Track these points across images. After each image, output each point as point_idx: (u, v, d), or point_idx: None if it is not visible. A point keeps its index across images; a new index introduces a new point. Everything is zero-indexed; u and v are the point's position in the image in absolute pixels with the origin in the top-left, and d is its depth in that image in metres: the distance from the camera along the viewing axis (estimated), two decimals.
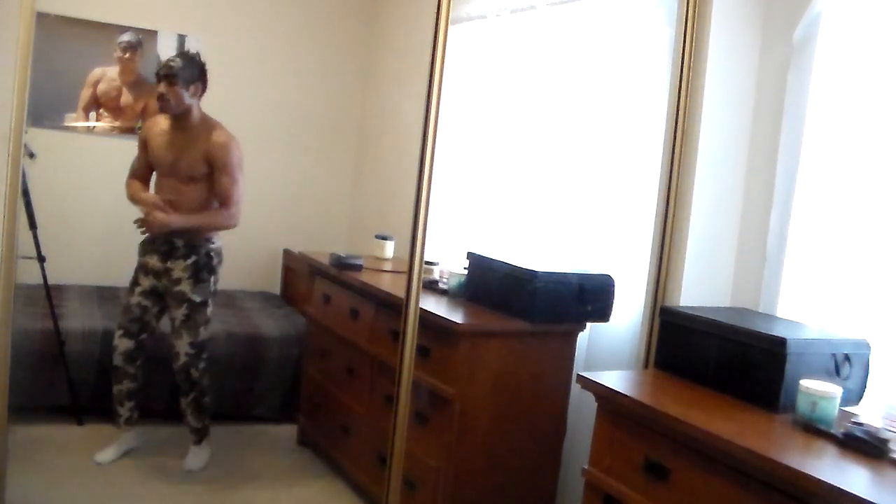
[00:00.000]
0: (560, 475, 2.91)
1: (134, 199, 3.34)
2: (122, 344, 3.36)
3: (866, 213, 2.28)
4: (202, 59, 3.30)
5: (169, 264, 3.32)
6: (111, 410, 3.45)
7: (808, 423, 1.89)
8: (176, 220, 3.22)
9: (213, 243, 3.37)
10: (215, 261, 3.38)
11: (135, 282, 3.39)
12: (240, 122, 4.84)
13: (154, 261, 3.34)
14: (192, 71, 3.21)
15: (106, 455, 3.39)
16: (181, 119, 3.26)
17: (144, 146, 3.39)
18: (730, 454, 1.74)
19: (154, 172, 3.40)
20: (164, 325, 3.49)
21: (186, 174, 3.27)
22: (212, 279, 3.37)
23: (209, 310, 3.39)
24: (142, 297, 3.36)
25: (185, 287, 3.31)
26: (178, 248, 3.31)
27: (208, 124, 3.30)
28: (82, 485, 3.16)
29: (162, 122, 3.36)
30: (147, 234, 3.36)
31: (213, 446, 3.56)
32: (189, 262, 3.31)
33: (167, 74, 3.16)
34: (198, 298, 3.33)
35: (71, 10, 4.36)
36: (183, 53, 3.29)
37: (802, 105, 2.46)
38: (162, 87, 3.18)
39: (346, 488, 3.44)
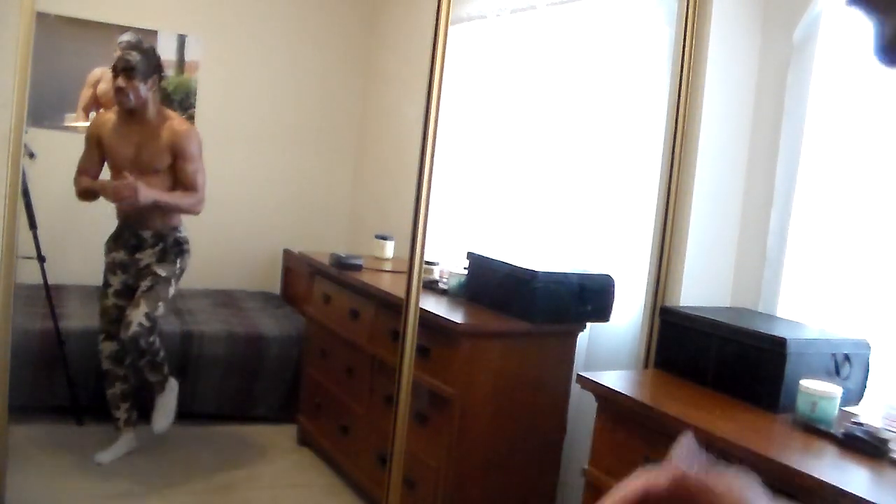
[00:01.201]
0: (560, 475, 2.91)
1: (90, 188, 3.27)
2: (107, 347, 3.36)
3: (866, 213, 2.28)
4: (157, 52, 3.30)
5: (137, 255, 3.33)
6: (110, 411, 3.44)
7: (808, 423, 1.89)
8: (153, 192, 3.17)
9: (179, 232, 3.39)
10: (184, 246, 3.39)
11: (106, 283, 3.38)
12: (240, 122, 4.87)
13: (122, 256, 3.35)
14: (149, 64, 3.18)
15: (106, 455, 3.38)
16: (137, 113, 3.22)
17: (97, 143, 3.34)
18: (730, 454, 1.74)
19: (109, 169, 3.35)
20: None
21: (150, 167, 3.24)
22: (178, 261, 3.37)
23: (171, 289, 3.35)
24: (116, 297, 3.36)
25: (151, 263, 3.32)
26: (146, 239, 3.32)
27: (164, 115, 3.29)
28: (82, 485, 3.16)
29: (114, 118, 3.32)
30: (113, 231, 3.36)
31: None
32: (157, 248, 3.33)
33: (125, 68, 3.13)
34: (163, 273, 3.31)
35: (71, 10, 4.36)
36: (138, 47, 3.23)
37: (802, 105, 2.46)
38: (120, 81, 3.14)
39: (346, 488, 3.44)
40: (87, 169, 3.37)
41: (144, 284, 3.30)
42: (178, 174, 3.28)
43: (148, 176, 3.25)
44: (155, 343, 3.33)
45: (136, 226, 3.31)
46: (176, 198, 3.27)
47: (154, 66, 3.22)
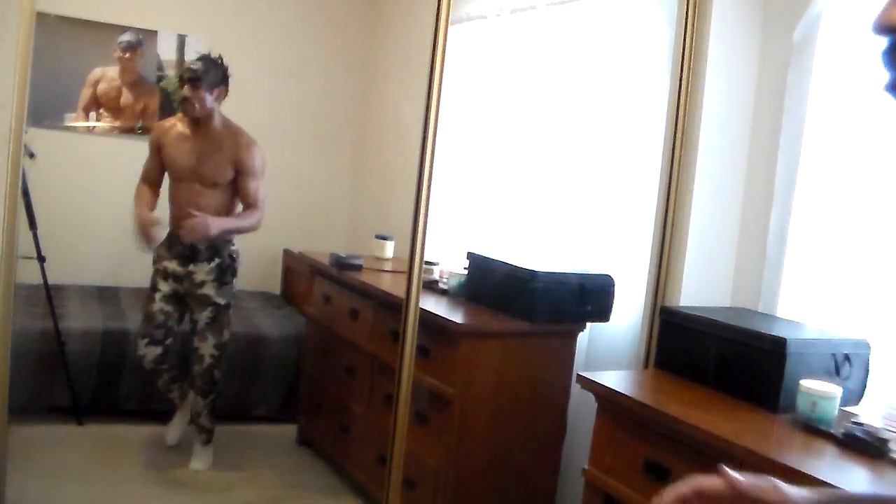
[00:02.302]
0: (560, 475, 2.91)
1: (137, 213, 3.25)
2: (151, 352, 3.33)
3: (866, 212, 2.28)
4: (224, 63, 3.26)
5: (191, 268, 3.31)
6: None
7: (808, 423, 1.89)
8: (217, 223, 3.17)
9: (233, 245, 3.38)
10: (237, 262, 3.40)
11: (154, 287, 3.35)
12: (240, 122, 4.84)
13: (174, 265, 3.32)
14: (215, 74, 3.18)
15: (173, 433, 3.48)
16: (202, 123, 3.22)
17: (158, 150, 3.33)
18: (730, 454, 1.74)
19: (169, 178, 3.35)
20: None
21: (211, 179, 3.24)
22: (234, 281, 3.39)
23: (231, 312, 3.40)
24: (163, 302, 3.33)
25: (209, 290, 3.31)
26: (200, 251, 3.29)
27: (231, 129, 3.28)
28: (82, 485, 3.16)
29: (178, 126, 3.30)
30: (164, 239, 3.35)
31: (213, 447, 3.55)
32: (213, 265, 3.31)
33: (191, 78, 3.12)
34: (223, 301, 3.33)
35: (71, 10, 4.36)
36: (205, 57, 3.24)
37: (802, 105, 2.46)
38: (186, 91, 3.14)
39: (346, 488, 3.44)
40: (149, 176, 3.36)
41: (206, 316, 3.31)
42: (240, 189, 3.26)
43: (207, 188, 3.24)
44: (221, 377, 3.41)
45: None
46: (240, 221, 3.26)
47: (221, 76, 3.21)
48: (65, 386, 3.64)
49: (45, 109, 4.35)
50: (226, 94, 3.26)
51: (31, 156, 3.28)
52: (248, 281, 4.97)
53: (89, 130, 4.53)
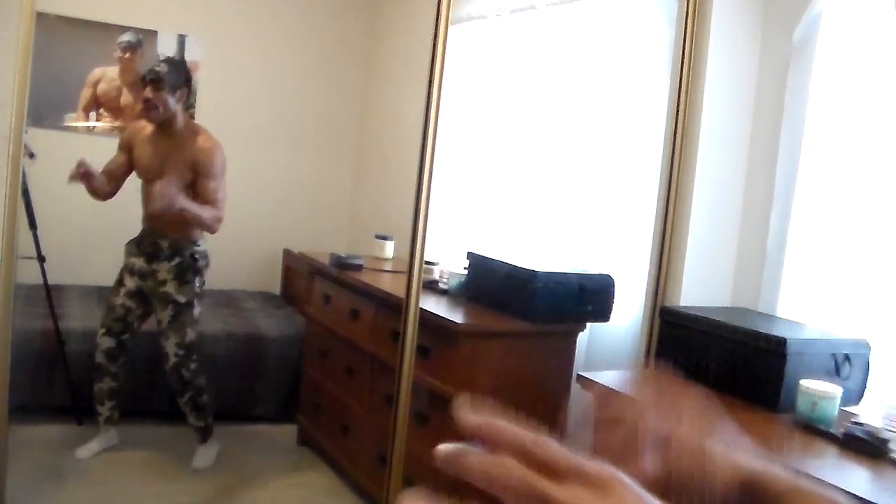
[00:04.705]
0: None
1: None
2: (105, 342, 3.37)
3: (866, 213, 2.28)
4: (187, 65, 3.30)
5: (154, 266, 3.33)
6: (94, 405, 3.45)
7: (808, 423, 1.89)
8: (182, 200, 3.10)
9: (197, 245, 3.37)
10: (200, 262, 3.37)
11: (119, 282, 3.41)
12: (240, 122, 4.87)
13: (140, 262, 3.35)
14: (178, 77, 3.18)
15: (86, 451, 3.39)
16: (166, 125, 3.23)
17: (127, 150, 3.37)
18: None
19: (138, 177, 3.36)
20: (150, 324, 3.49)
21: (176, 180, 3.24)
22: (196, 280, 3.36)
23: (196, 311, 3.38)
24: (126, 297, 3.38)
25: (169, 288, 3.31)
26: (162, 249, 3.32)
27: (193, 129, 3.29)
28: (82, 485, 3.16)
29: (147, 128, 3.33)
30: (134, 236, 3.37)
31: (216, 446, 3.55)
32: (173, 263, 3.31)
33: (154, 80, 3.13)
34: (183, 299, 3.33)
35: (71, 10, 4.36)
36: (169, 59, 3.28)
37: (802, 105, 2.46)
38: (148, 93, 3.15)
39: (346, 488, 3.44)
40: (110, 170, 3.36)
41: (167, 314, 3.32)
42: (199, 190, 3.24)
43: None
44: (198, 376, 3.38)
45: (155, 234, 3.32)
46: (202, 210, 3.20)
47: (183, 78, 3.21)
48: (65, 386, 3.64)
49: (45, 109, 4.35)
50: (188, 96, 3.28)
51: (31, 156, 3.28)
52: (248, 281, 4.98)
53: (89, 130, 4.53)
